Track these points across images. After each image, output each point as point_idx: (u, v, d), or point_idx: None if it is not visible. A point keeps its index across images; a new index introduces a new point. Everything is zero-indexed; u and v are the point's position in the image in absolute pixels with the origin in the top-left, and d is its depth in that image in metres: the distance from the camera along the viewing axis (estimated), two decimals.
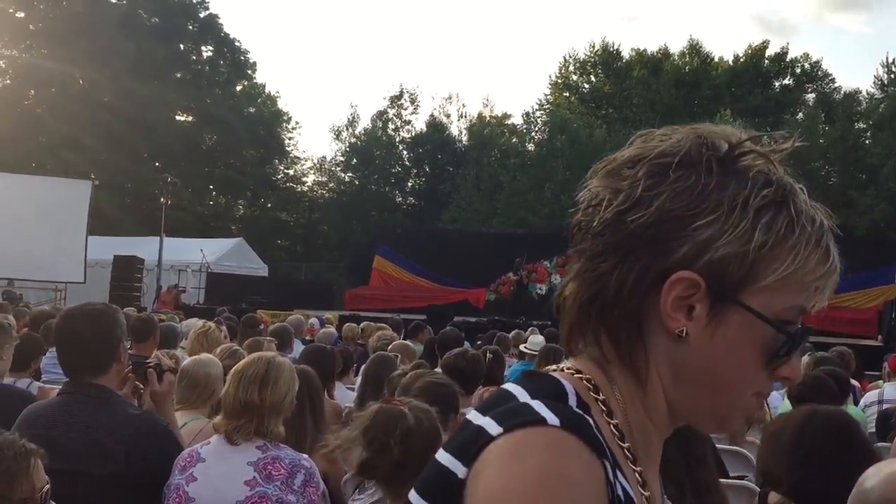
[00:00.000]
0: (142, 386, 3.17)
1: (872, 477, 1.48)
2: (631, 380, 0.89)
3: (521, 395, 0.85)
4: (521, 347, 7.82)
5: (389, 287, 28.27)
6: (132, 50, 35.98)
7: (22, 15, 37.36)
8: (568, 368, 0.91)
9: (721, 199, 0.85)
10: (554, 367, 0.93)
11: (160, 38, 38.67)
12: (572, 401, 0.86)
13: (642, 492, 0.87)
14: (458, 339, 6.62)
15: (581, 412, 0.83)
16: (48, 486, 1.83)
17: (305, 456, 2.82)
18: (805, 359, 6.75)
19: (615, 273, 0.86)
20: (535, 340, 7.69)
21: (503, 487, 0.76)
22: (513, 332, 9.85)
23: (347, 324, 11.09)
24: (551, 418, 0.79)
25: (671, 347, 0.87)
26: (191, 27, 41.03)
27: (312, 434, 3.72)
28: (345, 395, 5.45)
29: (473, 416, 0.85)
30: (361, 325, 10.80)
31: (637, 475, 0.87)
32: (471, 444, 0.81)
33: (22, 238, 20.58)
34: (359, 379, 5.37)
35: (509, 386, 0.88)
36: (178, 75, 40.97)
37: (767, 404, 5.15)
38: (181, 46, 41.29)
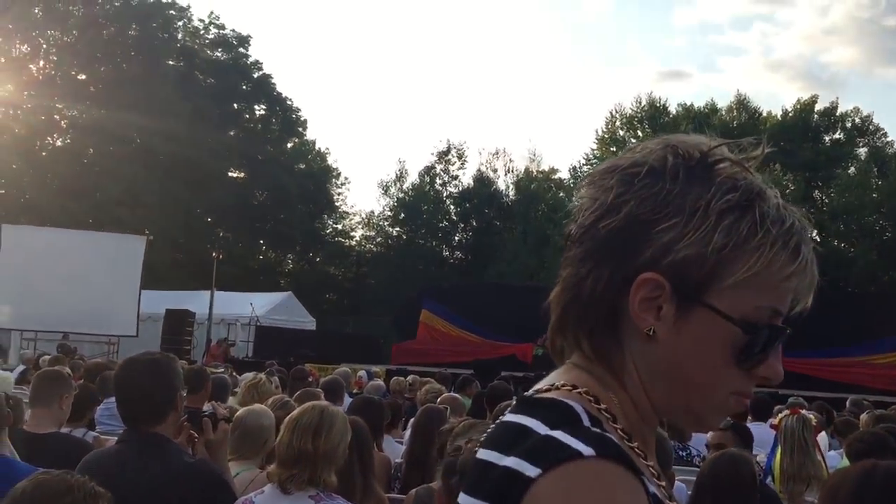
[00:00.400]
0: (196, 435, 3.22)
1: None
2: (614, 379, 0.93)
3: (538, 426, 0.86)
4: None
5: (436, 341, 28.21)
6: (188, 109, 37.16)
7: (84, 77, 38.93)
8: (563, 386, 0.93)
9: (683, 204, 0.89)
10: (545, 386, 0.95)
11: (215, 98, 39.94)
12: (586, 421, 0.87)
13: (660, 483, 0.90)
14: (507, 393, 6.57)
15: (600, 431, 0.85)
16: None
17: None
18: (864, 416, 6.57)
19: (590, 277, 0.91)
20: None
21: None
22: None
23: (395, 377, 11.10)
24: (585, 449, 0.80)
25: (644, 347, 0.91)
26: (244, 87, 42.32)
27: (361, 485, 3.72)
28: (393, 448, 5.44)
29: (490, 456, 0.86)
30: (409, 378, 10.81)
31: (651, 469, 0.90)
32: (505, 490, 0.81)
33: (78, 292, 21.10)
34: (408, 431, 5.37)
35: (517, 418, 0.89)
36: (232, 133, 42.13)
37: (824, 462, 5.02)
38: (235, 105, 42.56)
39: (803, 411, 5.13)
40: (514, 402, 0.95)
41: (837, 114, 37.63)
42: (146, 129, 35.55)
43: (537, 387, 0.95)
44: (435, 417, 4.47)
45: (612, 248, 0.90)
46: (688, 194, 0.89)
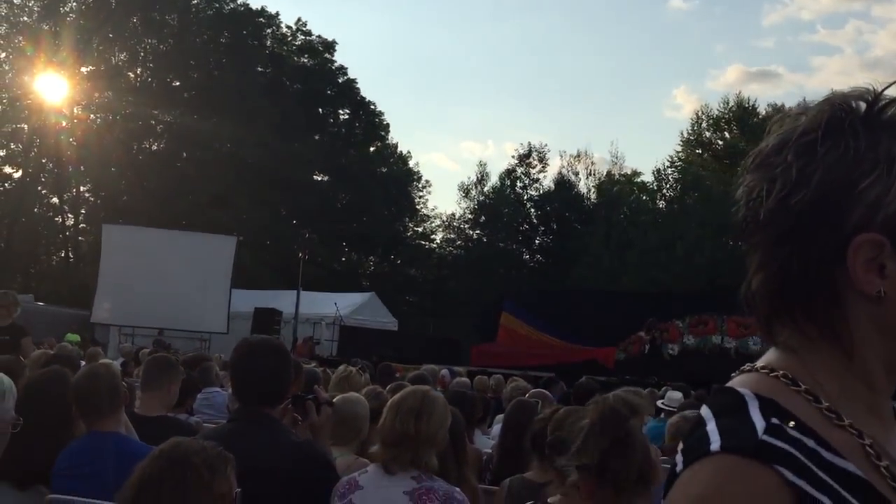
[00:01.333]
0: (299, 418, 3.34)
1: None
2: (838, 352, 0.89)
3: (708, 416, 0.88)
4: (659, 403, 7.66)
5: (517, 344, 28.13)
6: (276, 114, 38.16)
7: (178, 84, 40.40)
8: (762, 369, 0.92)
9: (876, 157, 0.86)
10: (749, 366, 0.94)
11: (301, 103, 40.89)
12: (753, 407, 0.85)
13: (878, 463, 0.85)
14: (593, 392, 6.56)
15: (762, 418, 0.83)
16: (239, 490, 1.99)
17: (458, 489, 2.89)
18: None
19: (795, 257, 0.88)
20: (674, 397, 7.53)
21: None
22: (646, 391, 9.64)
23: (479, 376, 11.16)
24: (714, 443, 0.82)
25: (872, 310, 0.87)
26: (329, 92, 43.17)
27: (455, 473, 3.79)
28: (483, 441, 5.50)
29: (706, 415, 0.88)
30: (492, 379, 10.85)
31: (868, 448, 0.85)
32: (694, 451, 0.85)
33: (172, 290, 21.91)
34: (498, 426, 5.42)
35: (703, 408, 0.91)
36: (317, 137, 43.02)
37: None
38: (320, 110, 43.46)
39: None
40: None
41: None
42: (236, 134, 36.63)
43: (743, 367, 0.96)
44: (527, 410, 4.50)
45: (813, 220, 0.87)
46: (878, 145, 0.86)
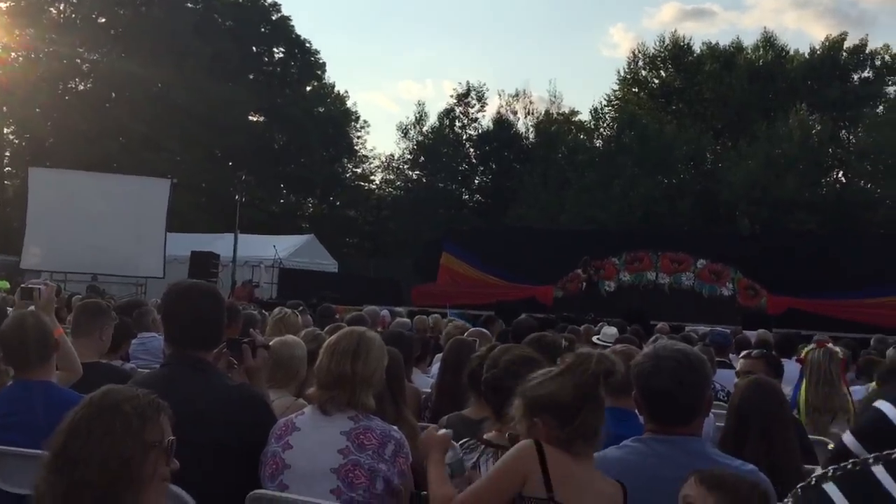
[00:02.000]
0: (235, 362, 3.31)
1: None
2: None
3: None
4: (594, 339, 7.79)
5: (457, 284, 28.34)
6: (207, 53, 36.99)
7: (103, 20, 38.75)
8: None
9: None
10: None
11: (234, 41, 39.67)
12: None
13: None
14: (532, 328, 6.65)
15: None
16: (173, 438, 1.96)
17: (395, 428, 2.91)
18: (890, 351, 6.60)
19: None
20: (609, 332, 7.67)
21: None
22: (583, 327, 9.82)
23: (418, 316, 11.21)
24: None
25: None
26: (263, 30, 41.95)
27: (393, 412, 3.82)
28: (422, 381, 5.54)
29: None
30: (431, 318, 10.92)
31: None
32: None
33: (105, 235, 21.36)
34: (437, 365, 5.47)
35: None
36: (251, 76, 41.95)
37: (850, 395, 5.06)
38: (254, 48, 42.27)
39: (829, 345, 5.16)
40: None
41: (867, 52, 36.72)
42: (167, 73, 35.46)
43: None
44: (465, 349, 4.54)
45: None
46: None
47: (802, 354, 5.15)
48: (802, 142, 30.92)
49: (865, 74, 36.74)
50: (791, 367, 5.83)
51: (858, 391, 5.52)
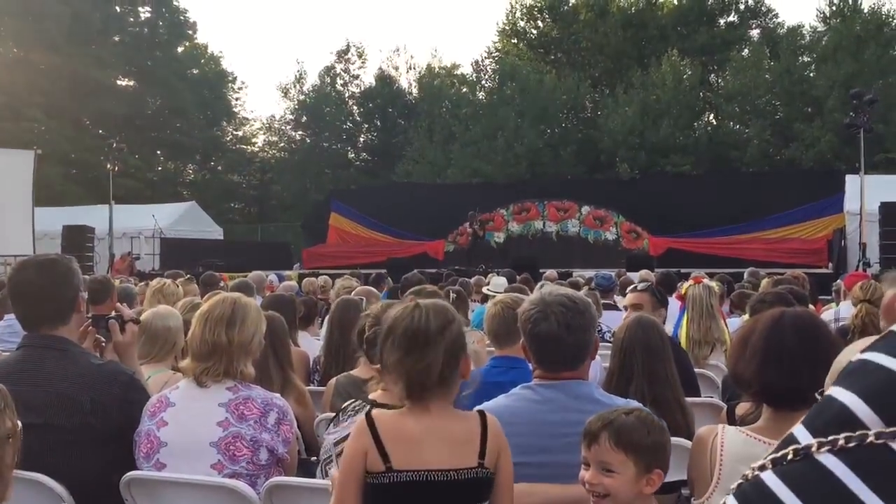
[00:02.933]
0: (103, 340, 3.11)
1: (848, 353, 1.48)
2: None
3: None
4: (485, 290, 7.84)
5: (347, 243, 28.16)
6: (67, 14, 34.81)
7: None
8: None
9: None
10: None
11: (94, 2, 37.46)
12: None
13: None
14: (421, 282, 6.61)
15: None
16: (20, 429, 1.79)
17: (278, 395, 2.80)
18: (764, 281, 6.90)
19: None
20: (498, 282, 7.73)
21: None
22: (474, 279, 9.88)
23: (307, 278, 11.04)
24: None
25: None
26: None
27: (279, 378, 3.70)
28: (310, 343, 5.42)
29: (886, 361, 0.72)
30: (320, 279, 10.76)
31: None
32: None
33: None
34: (324, 328, 5.35)
35: None
36: (117, 39, 39.80)
37: (727, 327, 5.26)
38: (117, 8, 40.04)
39: (705, 280, 5.33)
40: None
41: None
42: (24, 37, 33.25)
43: None
44: (352, 308, 4.45)
45: None
46: None
47: (682, 290, 5.31)
48: (675, 87, 31.90)
49: (731, 18, 38.10)
50: (672, 304, 6.01)
51: (733, 323, 5.75)
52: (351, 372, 3.74)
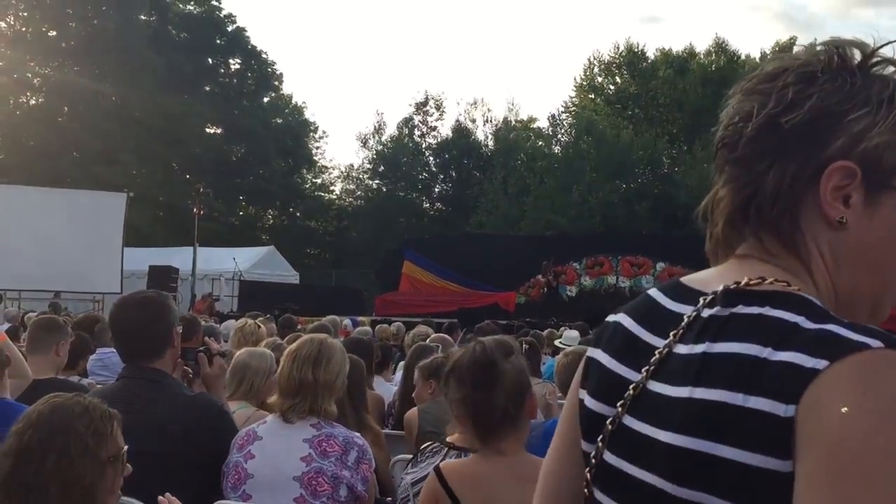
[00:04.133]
0: (191, 371, 3.28)
1: None
2: (805, 270, 0.94)
3: (804, 322, 0.84)
4: (557, 343, 7.87)
5: (419, 292, 28.34)
6: (162, 65, 36.56)
7: (54, 34, 38.08)
8: (777, 282, 0.92)
9: (869, 96, 0.92)
10: (753, 280, 0.92)
11: (189, 53, 39.32)
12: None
13: None
14: (494, 332, 6.68)
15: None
16: (126, 448, 1.94)
17: (358, 434, 2.91)
18: None
19: (771, 171, 0.94)
20: (570, 335, 7.75)
21: (866, 416, 0.75)
22: (546, 331, 9.90)
23: (380, 325, 11.21)
24: (872, 342, 0.79)
25: (831, 236, 0.93)
26: (219, 41, 41.63)
27: (354, 417, 3.82)
28: (385, 388, 5.54)
29: (761, 352, 0.83)
30: (393, 326, 10.91)
31: None
32: (786, 381, 0.79)
33: (61, 252, 20.97)
34: (398, 374, 5.47)
35: (778, 313, 0.86)
36: (207, 88, 41.56)
37: None
38: (210, 60, 41.91)
39: None
40: (736, 295, 0.91)
41: None
42: (121, 86, 34.97)
43: (738, 281, 0.93)
44: (426, 354, 4.56)
45: (799, 140, 0.92)
46: (870, 87, 0.93)
47: None
48: None
49: None
50: None
51: None
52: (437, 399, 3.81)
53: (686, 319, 0.94)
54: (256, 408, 3.92)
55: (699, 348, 0.89)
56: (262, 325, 6.07)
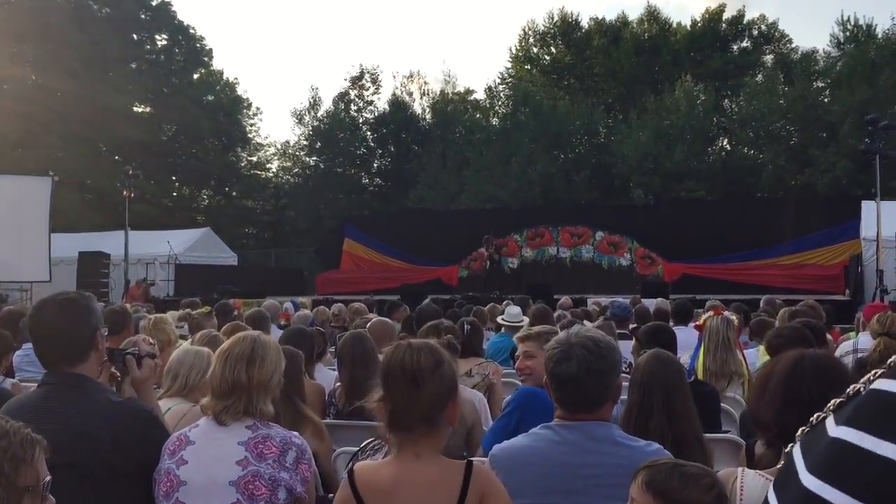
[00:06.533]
0: (119, 374, 3.12)
1: None
2: None
3: None
4: (499, 319, 7.83)
5: (361, 269, 28.21)
6: (84, 43, 35.28)
7: None
8: None
9: None
10: None
11: (112, 30, 37.96)
12: None
13: None
14: (436, 314, 6.62)
15: None
16: (49, 478, 1.80)
17: (296, 433, 2.79)
18: (781, 312, 6.85)
19: None
20: (513, 312, 7.71)
21: None
22: (488, 306, 9.87)
23: (319, 306, 11.05)
24: None
25: None
26: (143, 16, 40.31)
27: (291, 414, 3.70)
28: (325, 375, 5.42)
29: (863, 440, 0.68)
30: (334, 307, 10.76)
31: None
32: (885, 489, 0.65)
33: None
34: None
35: None
36: (133, 66, 40.26)
37: (745, 359, 5.23)
38: (134, 37, 40.55)
39: (725, 312, 5.31)
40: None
41: (744, 22, 38.17)
42: (41, 64, 33.67)
43: None
44: (359, 342, 4.51)
45: None
46: None
47: (701, 321, 5.29)
48: (689, 112, 31.93)
49: (744, 44, 38.22)
50: (688, 333, 5.99)
51: (751, 353, 5.72)
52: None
53: None
54: (192, 403, 3.77)
55: None
56: (171, 322, 5.76)
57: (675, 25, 38.72)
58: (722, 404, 4.59)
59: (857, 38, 32.88)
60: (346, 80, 42.74)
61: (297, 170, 42.76)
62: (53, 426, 2.63)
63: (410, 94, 42.11)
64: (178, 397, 3.77)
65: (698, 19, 38.51)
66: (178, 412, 3.59)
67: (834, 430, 0.71)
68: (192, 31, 41.64)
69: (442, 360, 2.22)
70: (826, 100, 31.92)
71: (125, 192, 23.78)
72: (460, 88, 43.11)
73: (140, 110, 40.85)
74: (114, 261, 22.43)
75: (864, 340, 5.95)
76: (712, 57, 36.27)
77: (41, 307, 2.89)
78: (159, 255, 24.24)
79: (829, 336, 6.87)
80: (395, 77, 42.51)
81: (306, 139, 41.86)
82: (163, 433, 2.80)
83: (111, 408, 2.71)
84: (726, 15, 38.11)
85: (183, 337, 6.23)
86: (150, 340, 4.09)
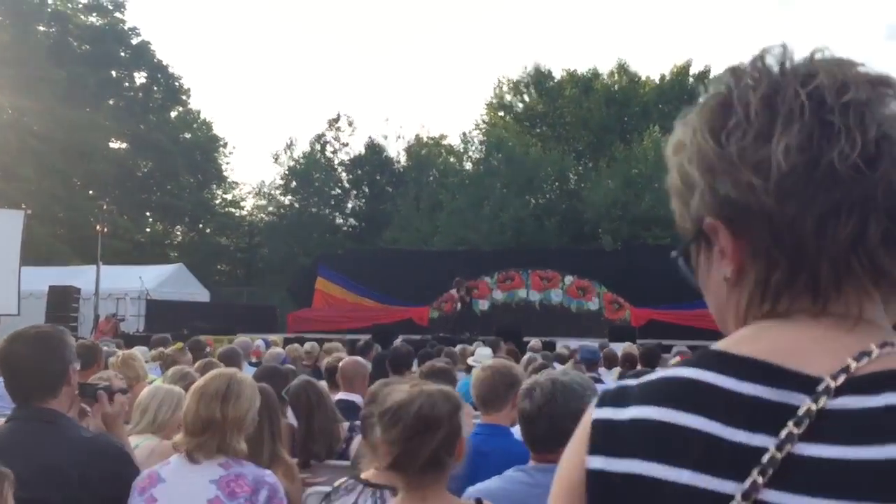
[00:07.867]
0: (88, 409, 3.12)
1: None
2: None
3: None
4: (469, 361, 7.88)
5: (333, 308, 28.08)
6: (62, 78, 35.26)
7: None
8: None
9: None
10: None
11: (91, 66, 38.01)
12: None
13: None
14: (409, 354, 6.66)
15: None
16: None
17: (269, 472, 2.81)
18: None
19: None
20: (484, 353, 7.78)
21: None
22: (458, 347, 9.92)
23: (292, 344, 11.01)
24: None
25: None
26: (123, 54, 40.45)
27: (269, 451, 3.72)
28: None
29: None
30: (306, 346, 10.74)
31: None
32: None
33: None
34: None
35: None
36: (111, 102, 40.27)
37: None
38: (113, 73, 40.63)
39: None
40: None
41: (710, 77, 38.62)
42: (18, 99, 33.54)
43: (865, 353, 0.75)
44: (311, 391, 4.55)
45: None
46: None
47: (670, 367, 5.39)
48: (656, 162, 32.47)
49: None
50: None
51: None
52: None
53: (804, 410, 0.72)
54: (161, 439, 3.78)
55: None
56: (139, 359, 5.75)
57: (644, 78, 39.57)
58: None
59: None
60: (324, 122, 43.11)
61: (271, 208, 42.77)
62: (21, 461, 2.63)
63: (385, 138, 42.54)
64: (147, 433, 3.78)
65: (667, 74, 39.42)
66: (147, 448, 3.59)
67: None
68: (170, 70, 41.86)
69: (459, 405, 2.19)
70: None
71: (98, 227, 23.62)
72: (435, 133, 43.61)
73: (116, 146, 40.76)
74: (84, 295, 22.17)
75: None
76: (680, 109, 35.94)
77: (14, 340, 2.88)
78: (131, 291, 24.00)
79: None
80: (371, 121, 42.90)
81: (282, 178, 41.97)
82: (133, 471, 2.79)
83: (82, 444, 2.71)
84: (693, 70, 39.06)
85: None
86: (120, 376, 4.11)
